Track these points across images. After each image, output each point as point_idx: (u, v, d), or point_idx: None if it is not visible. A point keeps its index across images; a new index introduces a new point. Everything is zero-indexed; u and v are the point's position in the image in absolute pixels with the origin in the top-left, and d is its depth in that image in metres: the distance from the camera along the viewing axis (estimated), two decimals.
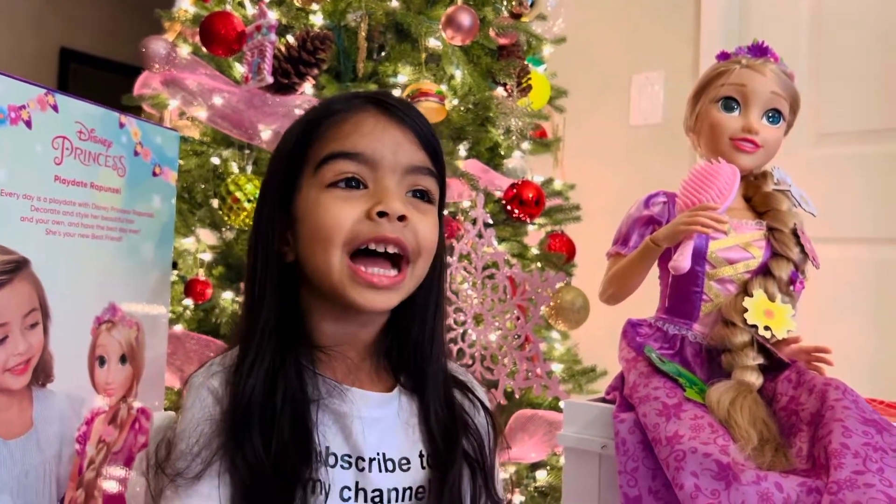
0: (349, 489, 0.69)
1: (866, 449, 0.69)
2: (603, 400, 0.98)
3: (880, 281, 1.94)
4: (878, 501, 0.64)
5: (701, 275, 0.95)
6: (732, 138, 0.98)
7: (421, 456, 0.74)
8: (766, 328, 0.89)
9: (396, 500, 0.71)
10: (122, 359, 0.95)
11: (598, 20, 2.33)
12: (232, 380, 0.70)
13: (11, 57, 3.74)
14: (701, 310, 0.95)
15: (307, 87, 1.31)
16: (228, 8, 1.36)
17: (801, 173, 1.07)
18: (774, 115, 0.99)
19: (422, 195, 0.74)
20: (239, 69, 1.41)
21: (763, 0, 2.12)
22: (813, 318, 1.84)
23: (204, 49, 1.31)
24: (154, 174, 1.00)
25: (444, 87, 1.39)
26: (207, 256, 1.44)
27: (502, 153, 1.59)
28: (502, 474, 0.86)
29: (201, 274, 1.39)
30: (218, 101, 1.30)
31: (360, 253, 0.70)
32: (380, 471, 0.71)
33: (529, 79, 1.50)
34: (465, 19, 1.34)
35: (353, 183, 0.70)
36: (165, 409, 1.05)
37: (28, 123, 0.80)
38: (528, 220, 1.49)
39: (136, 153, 0.96)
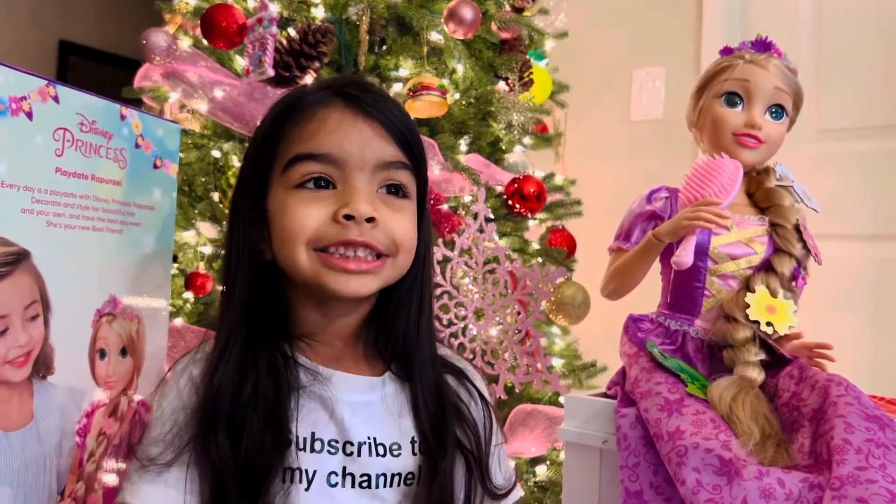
0: (336, 474, 0.68)
1: (869, 445, 0.69)
2: (604, 395, 0.98)
3: (881, 278, 1.94)
4: (881, 497, 0.64)
5: (703, 270, 0.95)
6: (735, 133, 0.98)
7: (413, 442, 0.73)
8: (768, 324, 0.89)
9: (385, 486, 0.70)
10: (123, 351, 0.95)
11: (600, 15, 2.32)
12: (206, 363, 0.69)
13: (11, 50, 3.73)
14: (703, 305, 0.95)
15: (308, 80, 1.31)
16: (230, 0, 1.35)
17: (801, 170, 1.07)
18: (777, 110, 0.99)
19: (396, 190, 0.71)
20: (240, 62, 1.40)
21: None
22: (813, 314, 1.84)
23: (205, 41, 1.31)
24: (155, 167, 0.99)
25: (445, 81, 1.38)
26: (208, 250, 1.43)
27: (503, 148, 1.59)
28: (507, 460, 0.84)
29: (201, 267, 1.39)
30: (219, 93, 1.30)
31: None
32: (370, 455, 0.70)
33: (531, 73, 1.50)
34: (468, 13, 1.34)
35: (321, 182, 0.69)
36: None
37: (29, 115, 0.80)
38: (529, 215, 1.49)
39: (137, 145, 0.96)
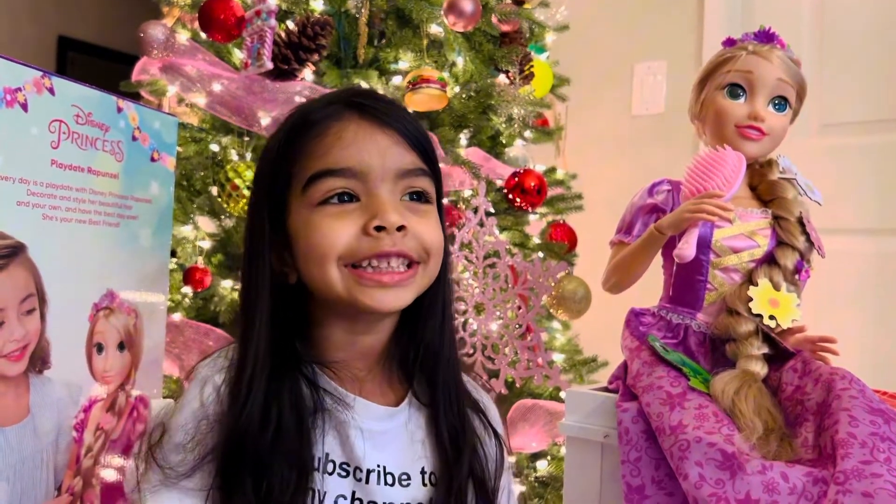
0: (344, 498, 0.67)
1: (873, 438, 0.68)
2: (605, 389, 0.97)
3: (884, 272, 1.93)
4: (886, 491, 0.63)
5: (705, 264, 0.94)
6: (738, 125, 0.97)
7: (422, 473, 0.72)
8: (771, 317, 0.88)
9: None
10: (121, 346, 0.94)
11: (601, 8, 2.31)
12: (230, 395, 0.67)
13: (9, 45, 3.71)
14: (705, 299, 0.94)
15: (307, 73, 1.30)
16: None
17: (803, 163, 1.06)
18: (781, 102, 0.98)
19: (418, 196, 0.70)
20: (238, 55, 1.39)
21: None
22: (816, 308, 1.83)
23: (203, 34, 1.30)
24: (152, 160, 0.99)
25: (445, 74, 1.37)
26: (206, 244, 1.43)
27: (504, 141, 1.58)
28: (513, 486, 0.83)
29: (200, 262, 1.38)
30: (217, 87, 1.29)
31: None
32: (378, 483, 0.69)
33: (532, 66, 1.49)
34: (468, 5, 1.33)
35: (345, 197, 0.67)
36: (164, 398, 1.04)
37: (24, 106, 0.79)
38: (529, 209, 1.48)
39: (134, 138, 0.95)
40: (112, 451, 0.93)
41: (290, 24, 1.27)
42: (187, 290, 1.40)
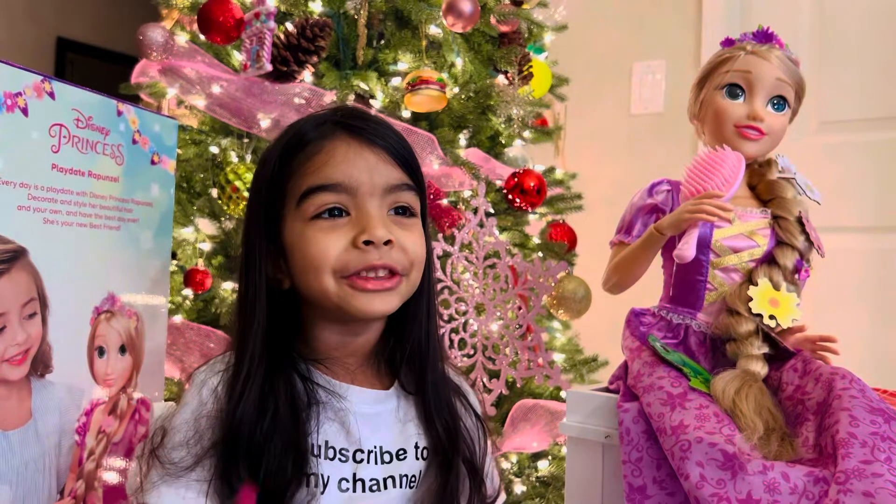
0: (346, 480, 0.72)
1: (874, 438, 0.69)
2: (606, 389, 0.97)
3: (883, 270, 1.93)
4: (887, 491, 0.63)
5: (705, 264, 0.94)
6: (737, 125, 0.97)
7: (416, 448, 0.77)
8: (771, 317, 0.88)
9: (394, 486, 0.74)
10: (122, 349, 0.94)
11: (599, 8, 2.31)
12: (227, 391, 0.71)
13: (7, 47, 3.71)
14: (705, 299, 0.95)
15: (306, 74, 1.30)
16: None
17: (802, 162, 1.06)
18: (780, 101, 0.98)
19: (404, 211, 0.75)
20: (237, 57, 1.39)
21: None
22: (816, 307, 1.84)
23: (202, 37, 1.30)
24: (153, 162, 0.99)
25: (444, 75, 1.37)
26: (207, 246, 1.42)
27: (503, 142, 1.58)
28: (495, 470, 0.90)
29: (201, 264, 1.38)
30: (216, 89, 1.29)
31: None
32: (376, 462, 0.74)
33: (531, 67, 1.49)
34: (466, 6, 1.33)
35: (336, 212, 0.72)
36: (165, 400, 1.04)
37: (24, 111, 0.79)
38: (529, 210, 1.48)
39: (134, 141, 0.95)
40: (114, 454, 0.93)
41: (289, 26, 1.27)
42: (188, 292, 1.40)
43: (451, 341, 1.24)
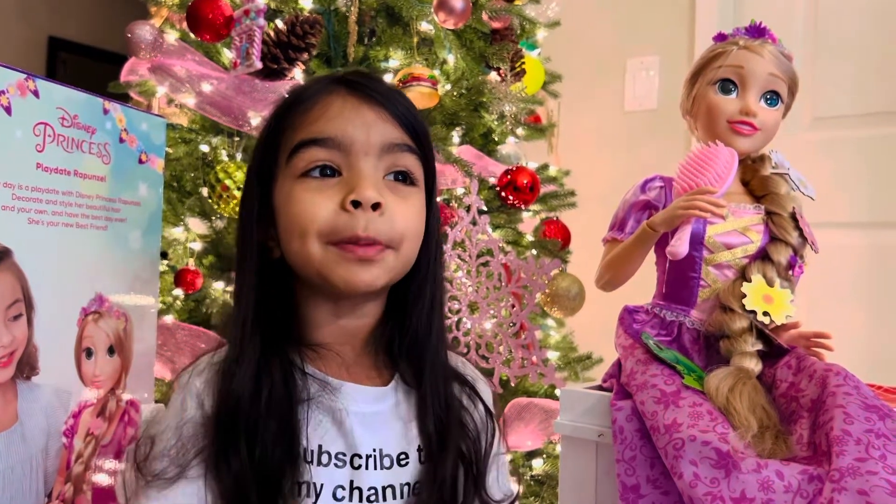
0: (343, 488, 0.66)
1: (868, 436, 0.68)
2: (600, 388, 0.97)
3: (877, 265, 1.93)
4: (881, 489, 0.63)
5: (698, 260, 0.93)
6: (730, 121, 0.96)
7: (419, 450, 0.71)
8: (765, 314, 0.88)
9: (393, 498, 0.69)
10: (110, 350, 0.93)
11: (592, 4, 2.31)
12: (217, 382, 0.67)
13: None
14: (698, 296, 0.94)
15: (297, 72, 1.29)
16: None
17: (795, 157, 1.05)
18: (772, 97, 0.97)
19: (403, 178, 0.69)
20: (227, 55, 1.38)
21: None
22: (809, 303, 1.84)
23: (191, 34, 1.29)
24: (140, 161, 0.97)
25: (436, 72, 1.37)
26: (197, 246, 1.42)
27: (496, 139, 1.57)
28: (505, 471, 0.83)
29: (191, 263, 1.37)
30: (206, 87, 1.28)
31: None
32: (375, 468, 0.68)
33: (523, 63, 1.48)
34: (458, 2, 1.32)
35: (327, 171, 0.67)
36: (156, 401, 1.03)
37: (7, 109, 0.78)
38: (522, 207, 1.47)
39: (121, 140, 0.94)
40: (103, 456, 0.92)
41: (279, 23, 1.26)
42: (179, 292, 1.39)
43: (449, 342, 1.23)
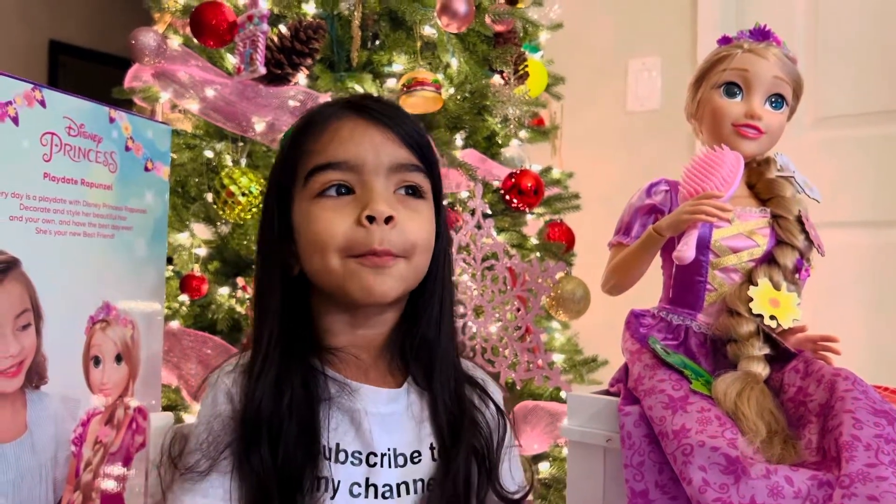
0: (359, 485, 0.70)
1: (878, 441, 0.68)
2: (607, 392, 0.96)
3: (880, 264, 1.93)
4: (892, 495, 0.63)
5: (704, 264, 0.93)
6: (735, 124, 0.96)
7: (432, 448, 0.75)
8: (772, 317, 0.88)
9: (407, 493, 0.73)
10: (118, 358, 0.93)
11: (594, 5, 2.31)
12: (243, 382, 0.72)
13: (0, 50, 3.69)
14: (705, 300, 0.94)
15: (301, 77, 1.29)
16: None
17: (798, 157, 1.05)
18: (777, 100, 0.97)
19: (413, 191, 0.74)
20: (231, 60, 1.38)
21: None
22: (813, 302, 1.83)
23: (195, 40, 1.29)
24: (146, 169, 0.98)
25: (440, 76, 1.37)
26: (202, 251, 1.42)
27: (500, 142, 1.57)
28: (517, 463, 0.87)
29: (197, 269, 1.38)
30: (210, 93, 1.28)
31: None
32: (390, 466, 0.72)
33: (526, 66, 1.48)
34: (461, 6, 1.32)
35: (342, 190, 0.72)
36: (163, 407, 1.03)
37: (15, 120, 0.78)
38: (527, 210, 1.47)
39: (127, 148, 0.94)
40: (111, 463, 0.92)
41: (283, 29, 1.26)
42: (184, 298, 1.39)
43: (462, 346, 1.23)
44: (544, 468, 1.48)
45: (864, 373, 0.78)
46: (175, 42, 1.34)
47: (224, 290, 1.39)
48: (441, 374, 0.77)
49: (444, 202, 1.41)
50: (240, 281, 1.36)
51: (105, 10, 4.21)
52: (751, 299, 0.88)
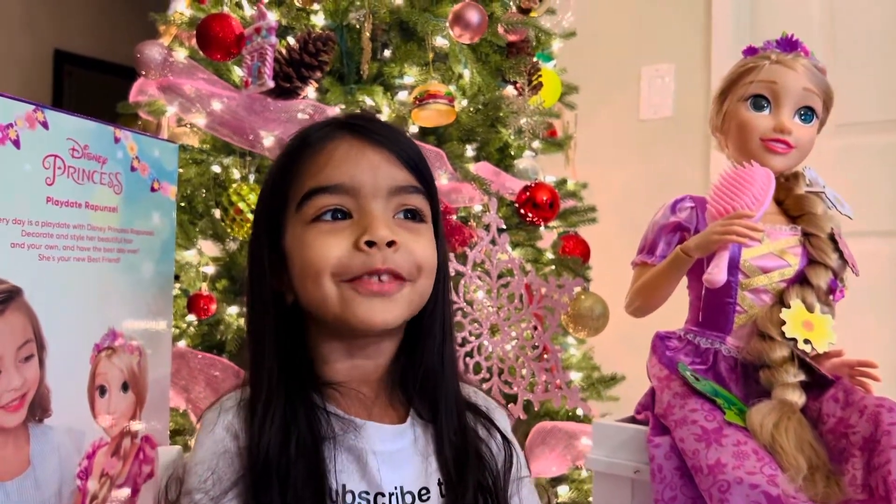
0: None
1: None
2: (633, 419, 0.93)
3: None
4: None
5: (734, 285, 0.90)
6: (763, 139, 0.93)
7: (440, 484, 0.72)
8: (806, 341, 0.84)
9: None
10: (124, 386, 0.90)
11: (607, 12, 2.27)
12: (246, 419, 0.68)
13: (5, 60, 3.67)
14: (734, 322, 0.90)
15: (310, 90, 1.26)
16: (226, 10, 1.30)
17: (818, 165, 1.01)
18: (807, 112, 0.94)
19: (413, 215, 0.71)
20: (238, 73, 1.35)
21: None
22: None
23: (201, 53, 1.26)
24: (153, 189, 0.94)
25: (452, 88, 1.33)
26: (210, 269, 1.38)
27: (512, 153, 1.53)
28: (533, 497, 0.81)
29: (204, 288, 1.34)
30: (217, 106, 1.25)
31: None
32: None
33: (540, 76, 1.45)
34: (474, 16, 1.29)
35: (338, 214, 0.68)
36: (171, 431, 1.00)
37: (16, 143, 0.75)
38: (542, 224, 1.43)
39: (133, 168, 0.91)
40: (118, 495, 0.89)
41: (291, 41, 1.23)
42: (192, 318, 1.36)
43: (466, 366, 1.20)
44: (563, 491, 1.44)
45: (884, 384, 0.74)
46: (181, 55, 1.31)
47: (233, 310, 1.35)
48: (445, 405, 0.74)
49: (457, 217, 1.38)
50: None
51: (110, 19, 4.19)
52: (783, 322, 0.85)
